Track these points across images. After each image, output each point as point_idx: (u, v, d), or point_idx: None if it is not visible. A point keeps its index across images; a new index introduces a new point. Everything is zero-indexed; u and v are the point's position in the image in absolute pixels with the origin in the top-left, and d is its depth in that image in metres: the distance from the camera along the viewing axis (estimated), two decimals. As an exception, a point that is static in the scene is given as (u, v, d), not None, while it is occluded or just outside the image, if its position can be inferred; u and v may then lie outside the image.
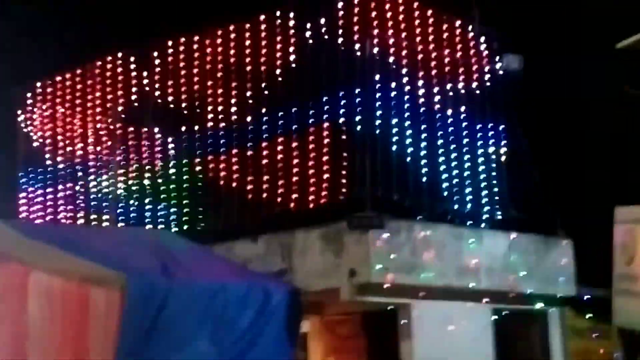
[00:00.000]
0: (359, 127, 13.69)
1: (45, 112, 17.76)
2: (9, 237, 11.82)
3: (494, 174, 15.13)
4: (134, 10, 19.48)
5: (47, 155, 17.60)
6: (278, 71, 14.71)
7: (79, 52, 18.14)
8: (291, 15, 14.66)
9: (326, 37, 14.20)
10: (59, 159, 17.46)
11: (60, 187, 17.30)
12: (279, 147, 14.45)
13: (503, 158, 15.33)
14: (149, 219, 15.88)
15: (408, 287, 13.32)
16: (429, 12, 14.89)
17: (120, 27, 19.11)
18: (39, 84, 17.87)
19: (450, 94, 14.92)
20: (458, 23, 15.24)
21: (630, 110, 14.61)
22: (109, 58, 16.94)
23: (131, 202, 16.18)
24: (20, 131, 17.89)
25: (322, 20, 14.22)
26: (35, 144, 17.77)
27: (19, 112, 17.93)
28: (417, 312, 13.50)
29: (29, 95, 17.92)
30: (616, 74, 14.63)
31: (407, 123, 14.15)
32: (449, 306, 13.73)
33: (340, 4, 14.12)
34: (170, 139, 16.00)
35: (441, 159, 14.56)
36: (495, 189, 15.03)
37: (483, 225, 14.59)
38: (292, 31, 14.64)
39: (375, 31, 14.02)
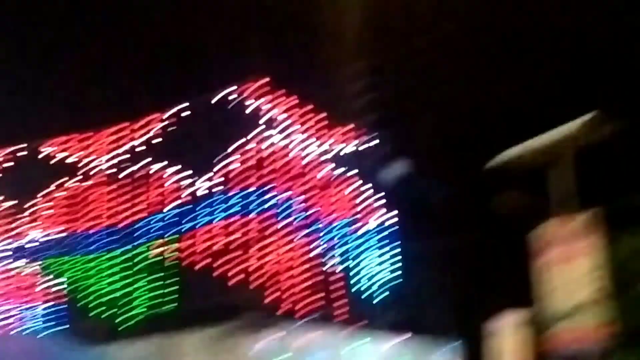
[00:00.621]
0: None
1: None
2: None
3: (384, 277, 15.15)
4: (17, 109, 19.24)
5: None
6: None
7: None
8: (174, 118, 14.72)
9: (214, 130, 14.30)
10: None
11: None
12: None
13: (394, 260, 15.34)
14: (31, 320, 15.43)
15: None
16: (321, 116, 15.04)
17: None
18: None
19: (332, 203, 14.98)
20: (348, 127, 15.38)
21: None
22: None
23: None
24: None
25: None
26: None
27: None
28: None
29: None
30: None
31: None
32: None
33: (231, 100, 14.21)
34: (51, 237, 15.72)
35: (334, 261, 14.50)
36: (386, 292, 15.02)
37: (374, 327, 14.44)
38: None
39: (263, 133, 14.13)
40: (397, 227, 15.50)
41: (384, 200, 15.50)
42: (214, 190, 14.05)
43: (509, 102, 15.31)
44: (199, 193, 14.20)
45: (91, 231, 15.17)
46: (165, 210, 14.44)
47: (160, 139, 14.92)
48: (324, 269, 14.50)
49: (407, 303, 15.00)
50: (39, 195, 15.85)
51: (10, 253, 16.03)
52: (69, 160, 15.76)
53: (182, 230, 14.22)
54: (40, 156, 16.02)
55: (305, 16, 17.51)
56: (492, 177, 12.60)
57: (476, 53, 15.84)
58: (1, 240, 16.13)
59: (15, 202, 16.12)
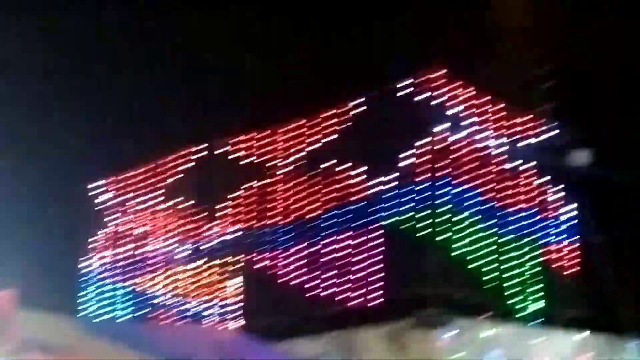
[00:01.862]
0: (421, 225, 13.55)
1: (117, 206, 17.93)
2: (74, 334, 11.89)
3: (563, 271, 14.83)
4: (198, 109, 19.79)
5: (114, 250, 17.73)
6: (336, 169, 14.74)
7: (151, 148, 18.37)
8: (355, 111, 14.73)
9: (393, 127, 14.22)
10: (126, 253, 17.57)
11: (124, 283, 17.39)
12: (340, 245, 14.37)
13: (573, 254, 15.02)
14: (210, 317, 15.85)
15: (474, 387, 13.04)
16: (497, 107, 14.82)
17: (187, 124, 19.37)
18: (113, 178, 18.06)
19: (517, 189, 14.75)
20: (530, 117, 15.12)
21: None
22: (180, 154, 17.12)
23: (192, 299, 16.18)
24: (87, 225, 18.06)
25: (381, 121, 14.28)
26: (103, 237, 17.92)
27: (86, 206, 18.10)
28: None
29: (102, 189, 18.12)
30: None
31: (471, 220, 13.98)
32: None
33: (409, 93, 14.12)
34: (232, 236, 16.04)
35: (507, 256, 14.32)
36: (564, 287, 14.70)
37: (553, 323, 14.24)
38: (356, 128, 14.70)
39: (438, 127, 13.99)
40: (578, 219, 15.13)
41: (564, 192, 15.13)
42: (394, 184, 13.99)
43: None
44: (379, 188, 14.17)
45: (272, 228, 15.41)
46: (345, 205, 14.48)
47: (338, 135, 14.94)
48: (503, 262, 14.32)
49: (589, 298, 14.65)
50: (219, 195, 16.19)
51: (192, 252, 16.53)
52: (248, 159, 16.00)
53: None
54: (220, 156, 16.34)
55: (480, 3, 17.34)
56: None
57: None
58: (183, 239, 16.64)
59: (196, 202, 16.56)
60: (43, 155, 18.69)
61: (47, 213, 18.73)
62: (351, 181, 14.61)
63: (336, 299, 14.20)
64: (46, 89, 19.09)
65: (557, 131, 15.43)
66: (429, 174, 13.79)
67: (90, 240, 17.80)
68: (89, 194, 17.93)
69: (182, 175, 17.02)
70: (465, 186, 14.10)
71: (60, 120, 19.17)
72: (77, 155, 18.78)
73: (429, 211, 13.60)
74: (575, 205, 15.22)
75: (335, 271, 14.35)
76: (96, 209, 17.91)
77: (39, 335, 11.59)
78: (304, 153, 15.38)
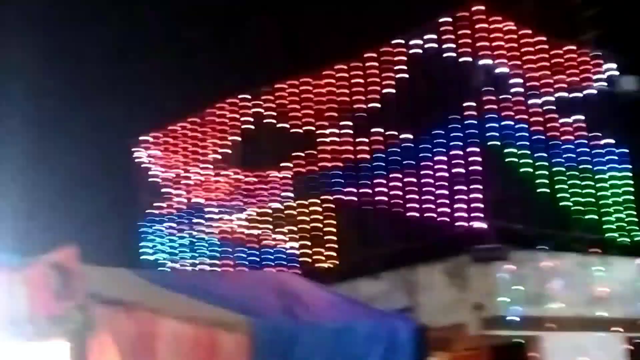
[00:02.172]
0: (478, 157, 13.51)
1: (164, 159, 18.05)
2: (137, 286, 11.98)
3: (618, 199, 14.76)
4: (243, 56, 19.81)
5: (168, 203, 17.88)
6: (391, 105, 14.68)
7: (194, 99, 18.46)
8: (399, 50, 14.62)
9: (437, 66, 14.13)
10: (179, 206, 17.72)
11: (182, 233, 17.56)
12: (397, 183, 14.38)
13: (628, 181, 14.93)
14: (271, 262, 15.98)
15: (536, 319, 13.06)
16: (540, 39, 14.66)
17: (230, 73, 19.43)
18: (156, 133, 18.18)
19: (568, 119, 14.64)
20: (573, 47, 14.96)
21: None
22: (223, 104, 17.15)
23: (253, 245, 16.31)
24: (140, 180, 18.21)
25: (433, 51, 14.16)
26: (155, 193, 18.07)
27: (138, 161, 18.26)
28: (546, 344, 13.19)
29: (146, 144, 18.25)
30: None
31: (527, 152, 13.93)
32: (579, 337, 13.38)
33: (450, 36, 14.00)
34: (288, 180, 16.10)
35: (563, 185, 14.27)
36: (621, 214, 14.64)
37: (611, 252, 14.21)
38: (400, 66, 14.61)
39: (488, 61, 13.86)
40: (629, 147, 15.02)
41: (614, 121, 15.00)
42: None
43: None
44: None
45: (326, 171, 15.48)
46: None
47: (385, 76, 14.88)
48: (559, 192, 14.29)
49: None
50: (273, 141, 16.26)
51: (247, 200, 16.65)
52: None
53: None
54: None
55: None
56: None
57: None
58: (237, 188, 16.76)
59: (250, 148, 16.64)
60: (93, 112, 18.87)
61: (98, 170, 18.94)
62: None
63: (395, 236, 14.25)
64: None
65: (604, 59, 15.29)
66: (477, 111, 13.69)
67: (144, 192, 17.99)
68: (142, 146, 18.10)
69: (228, 124, 17.10)
70: (517, 120, 14.02)
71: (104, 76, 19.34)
72: (125, 110, 18.94)
73: (485, 145, 13.54)
74: (627, 131, 15.08)
75: (393, 209, 14.36)
76: (146, 161, 18.08)
77: (103, 289, 11.71)
78: (348, 98, 15.34)
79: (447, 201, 13.73)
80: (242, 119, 16.86)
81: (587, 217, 14.39)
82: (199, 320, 11.07)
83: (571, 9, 16.19)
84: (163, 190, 18.02)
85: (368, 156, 14.94)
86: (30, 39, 18.68)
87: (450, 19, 14.09)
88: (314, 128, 15.81)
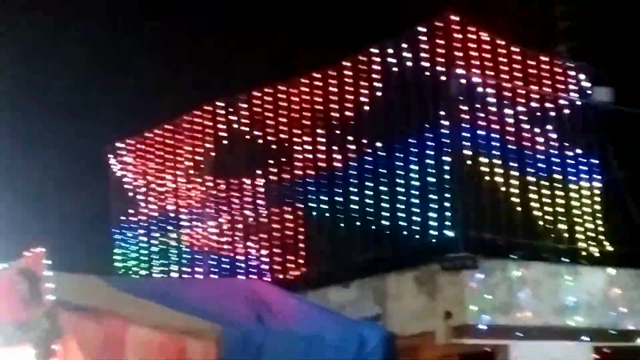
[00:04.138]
0: (448, 166, 13.56)
1: (137, 167, 18.03)
2: (107, 293, 12.00)
3: (588, 209, 14.83)
4: (218, 64, 19.84)
5: (140, 210, 17.85)
6: (364, 115, 14.73)
7: (168, 106, 18.47)
8: (375, 59, 14.66)
9: (412, 78, 14.17)
10: (151, 213, 17.69)
11: (153, 241, 17.53)
12: (368, 191, 14.40)
13: (598, 192, 15.01)
14: (241, 270, 15.97)
15: (505, 328, 13.08)
16: (514, 49, 14.74)
17: (206, 80, 19.46)
18: (129, 140, 18.15)
19: (540, 129, 14.72)
20: (547, 58, 15.05)
21: None
22: (197, 112, 17.15)
23: (223, 253, 16.30)
24: (112, 187, 18.18)
25: (407, 65, 14.20)
26: (127, 200, 18.03)
27: (111, 168, 18.23)
28: (516, 353, 13.22)
29: (120, 151, 18.22)
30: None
31: (497, 161, 13.98)
32: (548, 346, 13.41)
33: (425, 46, 14.05)
34: (260, 188, 16.11)
35: (533, 195, 14.33)
36: (591, 224, 14.72)
37: (580, 261, 14.29)
38: (376, 75, 14.65)
39: (461, 70, 13.93)
40: (602, 156, 15.11)
41: (587, 130, 15.09)
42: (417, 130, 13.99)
43: None
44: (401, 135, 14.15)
45: (295, 181, 15.52)
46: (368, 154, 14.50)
47: (354, 86, 14.93)
48: (529, 202, 14.35)
49: (617, 234, 14.67)
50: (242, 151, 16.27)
51: (219, 207, 16.64)
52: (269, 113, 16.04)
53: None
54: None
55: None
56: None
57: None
58: (209, 195, 16.74)
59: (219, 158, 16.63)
60: (66, 119, 18.83)
61: (70, 176, 18.89)
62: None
63: (365, 245, 14.27)
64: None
65: (578, 71, 15.37)
66: (450, 120, 13.75)
67: (117, 199, 17.96)
68: (115, 153, 18.07)
69: (202, 132, 17.09)
70: (489, 130, 14.08)
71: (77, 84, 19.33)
72: (100, 117, 18.93)
73: (456, 153, 13.59)
74: (599, 142, 15.17)
75: (364, 217, 14.39)
76: (119, 168, 18.05)
77: (73, 296, 11.70)
78: (322, 107, 15.36)
79: (418, 210, 13.76)
80: (216, 126, 16.84)
81: (557, 226, 14.41)
82: (169, 327, 11.10)
83: (546, 20, 16.30)
84: (135, 197, 17.99)
85: (340, 165, 14.95)
86: (4, 43, 18.65)
87: (425, 29, 14.11)
88: (287, 136, 15.82)
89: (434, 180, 13.71)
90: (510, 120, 14.41)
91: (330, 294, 14.08)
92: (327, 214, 15.02)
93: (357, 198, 14.57)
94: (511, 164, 14.17)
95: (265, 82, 16.20)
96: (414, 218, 13.75)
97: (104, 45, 20.25)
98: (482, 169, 13.85)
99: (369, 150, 14.52)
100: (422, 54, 14.08)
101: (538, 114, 14.80)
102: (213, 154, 16.91)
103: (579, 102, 15.16)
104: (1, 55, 18.50)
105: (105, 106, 19.85)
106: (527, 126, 14.60)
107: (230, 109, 16.64)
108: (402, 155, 14.07)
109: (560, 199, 14.62)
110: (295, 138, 15.67)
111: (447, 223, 13.35)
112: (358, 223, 14.48)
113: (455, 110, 13.73)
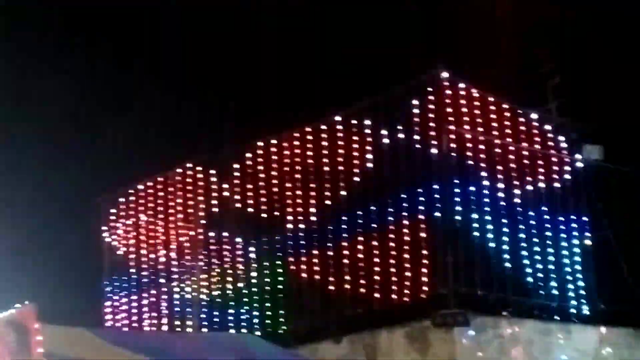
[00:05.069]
0: (439, 224, 13.59)
1: (128, 220, 18.00)
2: (96, 346, 11.89)
3: (579, 267, 14.86)
4: (207, 120, 19.94)
5: (131, 263, 17.79)
6: (355, 171, 14.79)
7: (159, 161, 18.49)
8: (366, 116, 14.75)
9: (402, 135, 14.26)
10: (142, 266, 17.64)
11: (144, 294, 17.46)
12: (360, 247, 14.42)
13: (589, 249, 15.05)
14: (232, 324, 15.91)
15: (497, 385, 13.05)
16: (505, 107, 14.85)
17: (196, 136, 19.53)
18: (120, 194, 18.14)
19: (530, 186, 14.79)
20: (535, 116, 15.16)
21: None
22: (188, 166, 17.18)
23: (214, 307, 16.24)
24: (103, 240, 18.12)
25: (398, 121, 14.29)
26: (118, 253, 17.98)
27: (102, 221, 18.19)
28: (507, 410, 13.18)
29: (111, 204, 18.19)
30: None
31: (488, 218, 14.03)
32: (540, 404, 13.39)
33: (415, 102, 14.16)
34: (251, 243, 16.11)
35: (524, 253, 14.36)
36: (582, 283, 14.74)
37: (571, 320, 14.28)
38: (367, 130, 14.73)
39: (452, 127, 14.02)
40: (593, 214, 15.16)
41: (577, 187, 15.16)
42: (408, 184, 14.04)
43: None
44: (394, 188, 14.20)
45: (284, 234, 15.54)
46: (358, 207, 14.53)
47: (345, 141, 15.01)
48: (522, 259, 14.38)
49: (608, 293, 14.67)
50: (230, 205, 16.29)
51: (208, 262, 16.62)
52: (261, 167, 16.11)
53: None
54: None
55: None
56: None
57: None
58: (197, 250, 16.74)
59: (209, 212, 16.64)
60: (58, 171, 18.83)
61: (60, 227, 18.84)
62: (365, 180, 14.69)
63: (357, 300, 14.24)
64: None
65: (568, 128, 15.48)
66: (443, 175, 13.81)
67: (107, 251, 17.91)
68: (104, 205, 18.04)
69: (192, 187, 17.10)
70: (479, 187, 14.14)
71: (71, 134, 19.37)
72: (91, 169, 18.93)
73: (447, 211, 13.63)
74: (589, 199, 15.23)
75: (355, 273, 14.39)
76: (110, 219, 18.02)
77: (61, 348, 11.60)
78: (312, 161, 15.42)
79: (409, 265, 13.76)
80: (207, 184, 16.87)
81: (548, 284, 14.42)
82: (157, 381, 10.99)
83: (536, 77, 16.44)
84: (126, 249, 17.95)
85: (331, 220, 14.97)
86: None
87: (415, 86, 14.23)
88: (278, 190, 15.85)
89: (424, 235, 13.74)
90: (501, 177, 14.48)
91: (321, 349, 14.04)
92: (318, 269, 15.01)
93: (348, 253, 14.58)
94: (502, 220, 14.22)
95: (259, 135, 16.26)
96: (406, 274, 13.76)
97: (97, 94, 20.30)
98: (473, 225, 13.89)
99: (360, 206, 14.55)
100: (413, 110, 14.18)
101: (528, 171, 14.89)
102: (204, 206, 16.90)
103: (568, 159, 15.26)
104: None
105: (97, 157, 19.85)
106: (517, 183, 14.68)
107: (223, 162, 16.67)
108: (393, 211, 14.11)
109: (551, 257, 14.65)
110: (286, 194, 15.70)
111: (439, 279, 13.35)
112: (349, 278, 14.47)
113: (446, 167, 13.80)
